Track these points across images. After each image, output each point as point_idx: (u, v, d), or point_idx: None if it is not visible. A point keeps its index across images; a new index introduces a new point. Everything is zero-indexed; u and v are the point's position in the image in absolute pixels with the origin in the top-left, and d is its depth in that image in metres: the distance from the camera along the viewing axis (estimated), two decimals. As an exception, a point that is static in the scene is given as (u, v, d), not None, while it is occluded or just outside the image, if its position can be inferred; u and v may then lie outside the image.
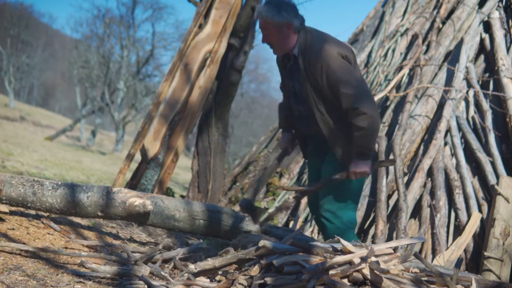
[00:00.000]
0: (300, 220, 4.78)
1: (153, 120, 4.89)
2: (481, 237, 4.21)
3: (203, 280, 2.56)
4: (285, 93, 3.29)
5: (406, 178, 4.74)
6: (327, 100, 2.99)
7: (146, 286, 2.49)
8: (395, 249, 2.99)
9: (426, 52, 5.57)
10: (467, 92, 5.15)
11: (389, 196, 4.66)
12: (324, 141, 3.08)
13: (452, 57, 5.50)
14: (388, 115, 5.27)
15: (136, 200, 3.36)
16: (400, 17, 6.08)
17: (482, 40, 5.50)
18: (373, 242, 4.24)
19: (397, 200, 4.40)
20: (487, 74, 5.37)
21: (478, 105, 5.05)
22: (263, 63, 34.98)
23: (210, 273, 2.62)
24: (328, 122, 3.01)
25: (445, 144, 4.89)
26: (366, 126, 2.87)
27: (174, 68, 5.03)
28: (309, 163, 3.39)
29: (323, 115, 3.02)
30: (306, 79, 3.00)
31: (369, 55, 5.91)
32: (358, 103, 2.86)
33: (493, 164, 4.58)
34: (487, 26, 5.57)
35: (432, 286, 2.31)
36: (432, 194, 4.55)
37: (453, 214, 4.46)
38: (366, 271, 2.21)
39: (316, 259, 2.34)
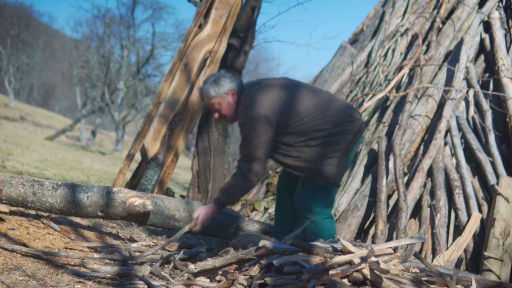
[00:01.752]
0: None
1: (153, 120, 4.89)
2: (481, 237, 4.21)
3: (203, 280, 2.56)
4: None
5: (406, 178, 4.74)
6: (279, 147, 3.23)
7: (146, 286, 2.49)
8: (395, 249, 2.99)
9: (426, 52, 5.57)
10: (467, 92, 5.15)
11: (389, 196, 4.66)
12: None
13: (452, 57, 5.50)
14: (388, 115, 5.28)
15: (136, 200, 3.36)
16: (400, 17, 6.08)
17: (482, 40, 5.50)
18: (373, 242, 4.24)
19: (397, 200, 4.40)
20: (487, 74, 5.37)
21: (478, 105, 5.05)
22: (263, 63, 35.02)
23: (210, 273, 2.62)
24: (287, 165, 3.25)
25: (445, 144, 4.89)
26: (240, 181, 3.15)
27: (174, 68, 5.03)
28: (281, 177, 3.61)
29: (283, 155, 3.26)
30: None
31: (369, 55, 5.91)
32: (246, 164, 3.13)
33: (493, 164, 4.58)
34: (487, 26, 5.57)
35: (432, 286, 2.31)
36: (432, 194, 4.55)
37: (453, 214, 4.46)
38: (366, 271, 2.21)
39: (316, 259, 2.34)
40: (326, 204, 3.33)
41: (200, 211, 3.24)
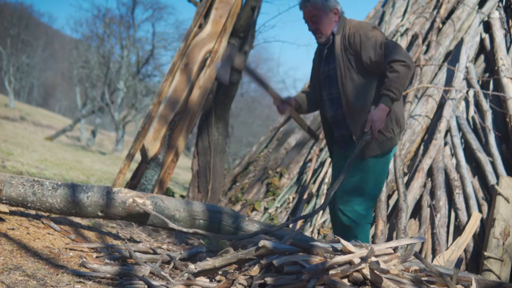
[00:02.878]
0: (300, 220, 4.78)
1: (153, 120, 4.89)
2: (481, 237, 4.21)
3: (203, 280, 2.56)
4: (315, 83, 3.45)
5: (406, 178, 4.74)
6: (355, 82, 3.17)
7: (146, 286, 2.49)
8: (395, 249, 2.99)
9: (426, 52, 5.58)
10: (467, 92, 5.15)
11: (389, 196, 4.66)
12: (350, 134, 3.23)
13: (452, 57, 5.50)
14: (388, 115, 5.27)
15: (136, 200, 3.36)
16: (400, 17, 6.08)
17: (482, 40, 5.50)
18: (373, 242, 4.24)
19: (397, 200, 4.40)
20: (487, 74, 5.37)
21: (478, 105, 5.05)
22: (263, 63, 34.98)
23: (210, 273, 2.61)
24: (353, 106, 3.17)
25: (445, 144, 4.89)
26: (401, 70, 3.02)
27: (174, 68, 5.03)
28: (335, 157, 3.49)
29: (350, 97, 3.18)
30: (341, 55, 3.19)
31: (369, 55, 5.90)
32: (397, 55, 3.05)
33: (493, 164, 4.58)
34: (487, 26, 5.57)
35: (432, 286, 2.31)
36: (432, 194, 4.55)
37: (453, 214, 4.46)
38: (366, 271, 2.21)
39: (316, 259, 2.34)
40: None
41: (374, 117, 3.09)
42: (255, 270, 2.37)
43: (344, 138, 3.31)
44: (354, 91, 3.17)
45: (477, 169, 4.72)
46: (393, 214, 4.51)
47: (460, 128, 4.95)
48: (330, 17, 3.23)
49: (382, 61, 3.10)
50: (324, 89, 3.35)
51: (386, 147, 3.21)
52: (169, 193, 5.75)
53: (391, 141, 3.22)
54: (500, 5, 5.62)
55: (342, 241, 2.39)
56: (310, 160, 5.31)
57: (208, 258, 2.71)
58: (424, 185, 4.65)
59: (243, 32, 5.65)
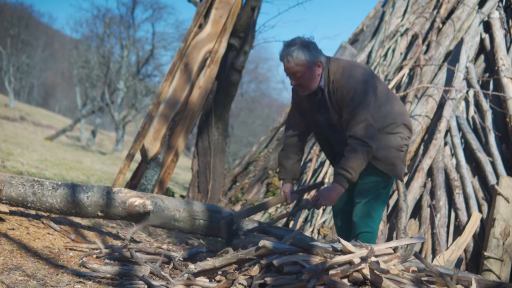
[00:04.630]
0: (300, 220, 4.78)
1: (153, 120, 4.89)
2: (481, 237, 4.21)
3: (203, 280, 2.56)
4: (300, 128, 3.32)
5: (406, 178, 4.74)
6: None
7: (146, 286, 2.49)
8: (395, 249, 2.98)
9: (426, 52, 5.57)
10: (467, 92, 5.15)
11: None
12: None
13: (452, 57, 5.50)
14: (388, 115, 5.27)
15: (136, 200, 3.36)
16: (400, 17, 6.08)
17: (482, 40, 5.50)
18: (373, 242, 4.24)
19: (397, 200, 4.40)
20: (487, 74, 5.37)
21: (478, 105, 5.05)
22: (263, 63, 34.98)
23: (210, 273, 2.61)
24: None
25: (445, 144, 4.89)
26: (360, 150, 2.92)
27: (174, 68, 5.03)
28: None
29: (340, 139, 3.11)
30: (333, 109, 3.05)
31: (369, 55, 5.91)
32: (359, 131, 2.92)
33: (493, 164, 4.58)
34: (487, 26, 5.57)
35: (432, 286, 2.30)
36: (432, 194, 4.55)
37: (453, 214, 4.46)
38: (366, 271, 2.20)
39: (316, 259, 2.34)
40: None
41: (325, 194, 3.04)
42: (255, 270, 2.37)
43: None
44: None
45: (477, 169, 4.71)
46: (393, 214, 4.51)
47: (460, 128, 4.95)
48: (314, 71, 3.00)
49: (345, 128, 3.00)
50: (326, 135, 3.25)
51: (405, 156, 3.24)
52: (169, 193, 5.75)
53: (408, 148, 3.24)
54: (500, 5, 5.62)
55: (342, 241, 2.39)
56: (310, 160, 5.31)
57: (208, 258, 2.71)
58: (424, 185, 4.65)
59: (243, 32, 5.65)
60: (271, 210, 5.02)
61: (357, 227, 3.15)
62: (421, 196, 4.61)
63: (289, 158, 3.32)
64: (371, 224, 3.15)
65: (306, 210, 4.84)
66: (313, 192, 4.30)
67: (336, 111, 3.05)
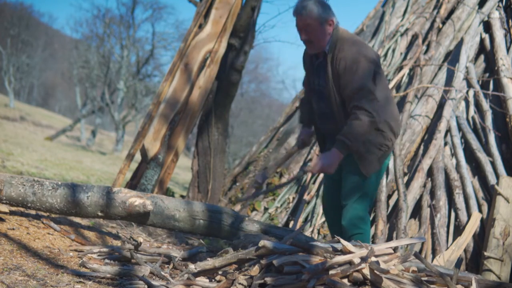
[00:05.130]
0: (300, 220, 4.78)
1: (153, 120, 4.89)
2: (481, 237, 4.21)
3: (203, 280, 2.56)
4: (308, 90, 3.34)
5: (406, 178, 4.74)
6: (343, 103, 3.04)
7: (146, 286, 2.49)
8: (395, 249, 2.98)
9: (426, 52, 5.57)
10: (467, 92, 5.15)
11: (389, 196, 4.66)
12: None
13: (452, 57, 5.50)
14: (388, 115, 5.28)
15: (136, 200, 3.36)
16: (400, 17, 6.08)
17: (482, 40, 5.50)
18: (373, 242, 4.24)
19: (397, 200, 4.40)
20: (487, 74, 5.37)
21: (478, 105, 5.05)
22: (263, 63, 35.00)
23: (210, 273, 2.61)
24: (342, 126, 3.03)
25: (445, 144, 4.89)
26: (365, 120, 2.89)
27: (174, 68, 5.03)
28: None
29: (341, 115, 3.06)
30: (330, 77, 3.03)
31: (369, 55, 5.90)
32: (367, 104, 2.90)
33: (493, 164, 4.58)
34: (487, 26, 5.57)
35: (432, 286, 2.31)
36: (432, 194, 4.55)
37: (453, 214, 4.46)
38: (366, 271, 2.21)
39: (316, 259, 2.34)
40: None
41: (323, 160, 2.99)
42: (255, 270, 2.37)
43: None
44: (343, 112, 3.06)
45: (477, 169, 4.71)
46: (393, 214, 4.51)
47: (460, 128, 4.95)
48: (325, 28, 3.02)
49: (349, 101, 2.97)
50: (314, 101, 3.26)
51: (384, 157, 3.16)
52: (169, 193, 5.75)
53: (389, 150, 3.15)
54: (500, 5, 5.62)
55: (342, 241, 2.39)
56: (310, 160, 5.31)
57: (208, 258, 2.71)
58: (424, 185, 4.65)
59: (243, 32, 5.65)
60: (271, 210, 5.03)
61: (348, 231, 3.12)
62: (421, 196, 4.61)
63: (307, 105, 3.38)
64: (361, 225, 3.13)
65: (306, 210, 4.84)
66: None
67: (332, 81, 3.02)
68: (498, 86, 4.99)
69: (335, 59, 3.01)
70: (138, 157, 5.16)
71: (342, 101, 3.05)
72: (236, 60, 5.73)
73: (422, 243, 4.35)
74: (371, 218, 4.67)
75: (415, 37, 5.76)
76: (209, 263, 2.58)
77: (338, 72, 3.00)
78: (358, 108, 2.92)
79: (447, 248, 4.18)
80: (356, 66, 2.95)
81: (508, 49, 5.27)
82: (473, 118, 5.03)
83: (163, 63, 29.92)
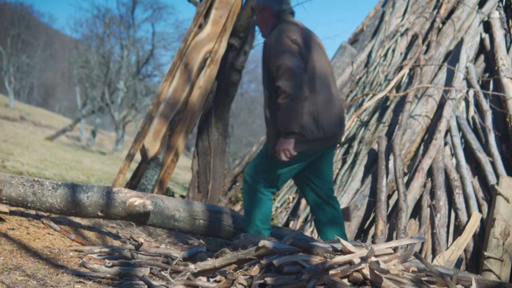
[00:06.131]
0: (300, 220, 4.78)
1: (153, 120, 4.89)
2: (481, 237, 4.21)
3: (203, 280, 2.56)
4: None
5: (406, 178, 4.74)
6: (272, 89, 3.15)
7: (146, 286, 2.49)
8: (395, 249, 2.99)
9: (426, 52, 5.57)
10: (467, 92, 5.15)
11: (389, 196, 4.66)
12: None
13: (452, 57, 5.50)
14: (388, 115, 5.28)
15: (136, 200, 3.36)
16: (400, 17, 6.08)
17: (482, 40, 5.50)
18: (373, 242, 4.24)
19: (397, 200, 4.40)
20: (487, 74, 5.37)
21: (478, 105, 5.05)
22: (263, 63, 34.93)
23: (210, 273, 2.61)
24: (268, 112, 3.20)
25: (445, 144, 4.89)
26: (283, 104, 3.00)
27: (174, 68, 5.03)
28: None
29: (266, 104, 3.22)
30: (265, 65, 3.19)
31: (369, 55, 5.91)
32: (282, 82, 3.00)
33: (493, 164, 4.58)
34: (487, 26, 5.57)
35: (432, 286, 2.30)
36: (432, 194, 4.55)
37: (453, 214, 4.46)
38: (366, 271, 2.20)
39: (316, 259, 2.34)
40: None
41: (277, 146, 3.11)
42: (255, 270, 2.37)
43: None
44: (270, 101, 3.16)
45: (477, 169, 4.71)
46: (393, 214, 4.51)
47: (460, 128, 4.95)
48: (264, 16, 3.27)
49: (273, 84, 3.09)
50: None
51: (301, 146, 3.15)
52: (169, 193, 5.75)
53: (307, 142, 3.15)
54: (500, 5, 5.62)
55: (342, 241, 2.39)
56: (310, 160, 5.31)
57: (208, 258, 2.71)
58: (424, 185, 4.65)
59: (243, 32, 5.65)
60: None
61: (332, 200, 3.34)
62: (421, 196, 4.61)
63: None
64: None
65: (307, 210, 4.84)
66: None
67: (266, 65, 3.16)
68: (498, 86, 4.99)
69: (266, 46, 3.18)
70: (138, 157, 5.16)
71: (268, 90, 3.17)
72: (236, 60, 5.72)
73: (422, 243, 4.35)
74: (371, 218, 4.67)
75: (415, 37, 5.76)
76: (209, 263, 2.58)
77: (266, 59, 3.14)
78: (280, 91, 3.02)
79: (447, 248, 4.18)
80: (274, 46, 3.09)
81: (508, 49, 5.27)
82: (473, 118, 5.03)
83: (163, 63, 29.96)
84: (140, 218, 3.45)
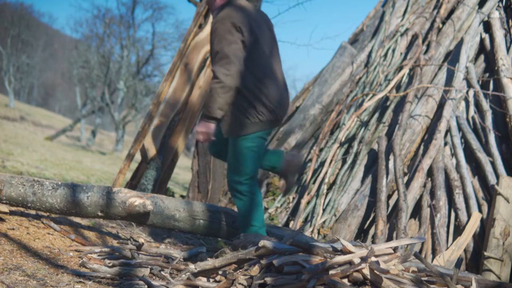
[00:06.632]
0: (300, 220, 4.78)
1: (153, 120, 4.89)
2: (481, 237, 4.21)
3: (203, 280, 2.56)
4: None
5: (406, 178, 4.74)
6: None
7: (146, 286, 2.49)
8: (395, 249, 2.99)
9: (426, 52, 5.57)
10: (467, 92, 5.15)
11: (389, 196, 4.66)
12: None
13: (452, 57, 5.50)
14: (388, 115, 5.28)
15: (136, 200, 3.36)
16: (400, 17, 6.08)
17: (482, 40, 5.50)
18: (373, 242, 4.24)
19: (397, 200, 4.40)
20: (487, 74, 5.37)
21: (478, 105, 5.05)
22: (263, 63, 34.91)
23: (210, 273, 2.61)
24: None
25: (445, 144, 4.89)
26: (213, 89, 3.08)
27: (174, 68, 5.03)
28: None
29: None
30: (211, 45, 3.23)
31: (369, 55, 5.91)
32: (216, 67, 3.08)
33: (493, 164, 4.58)
34: (487, 26, 5.57)
35: (432, 286, 2.30)
36: (432, 194, 4.55)
37: (453, 214, 4.46)
38: (366, 271, 2.20)
39: (316, 259, 2.34)
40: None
41: (197, 128, 3.22)
42: (255, 270, 2.37)
43: None
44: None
45: (477, 169, 4.71)
46: (393, 214, 4.51)
47: (460, 128, 4.95)
48: None
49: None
50: None
51: (255, 127, 3.22)
52: (169, 193, 5.74)
53: (260, 123, 3.22)
54: (500, 5, 5.62)
55: (342, 241, 2.39)
56: (310, 160, 5.31)
57: (208, 258, 2.71)
58: (424, 185, 4.65)
59: (243, 32, 5.64)
60: (271, 210, 5.03)
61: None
62: (421, 196, 4.61)
63: None
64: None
65: (307, 210, 4.84)
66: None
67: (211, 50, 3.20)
68: (498, 86, 4.99)
69: (211, 30, 3.21)
70: (138, 157, 5.16)
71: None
72: (236, 60, 5.72)
73: (422, 243, 4.35)
74: (371, 218, 4.67)
75: (415, 37, 5.76)
76: (209, 263, 2.58)
77: (212, 44, 3.19)
78: (213, 72, 3.10)
79: (447, 248, 4.18)
80: (216, 30, 3.13)
81: (508, 49, 5.27)
82: (473, 118, 5.03)
83: (163, 63, 29.93)
84: (140, 218, 3.45)
